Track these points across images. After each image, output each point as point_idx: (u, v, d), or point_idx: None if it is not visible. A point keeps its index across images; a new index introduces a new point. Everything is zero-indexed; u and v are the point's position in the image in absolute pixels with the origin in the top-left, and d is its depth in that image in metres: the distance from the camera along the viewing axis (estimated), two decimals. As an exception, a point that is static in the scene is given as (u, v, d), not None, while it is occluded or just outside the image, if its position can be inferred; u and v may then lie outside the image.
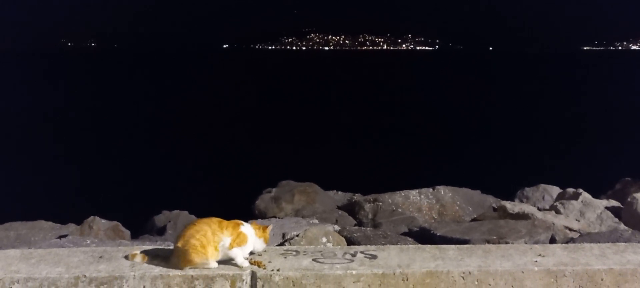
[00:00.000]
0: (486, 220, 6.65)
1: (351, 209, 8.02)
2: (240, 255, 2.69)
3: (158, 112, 28.35)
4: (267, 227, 2.83)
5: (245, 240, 2.69)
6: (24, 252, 2.93)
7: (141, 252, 2.78)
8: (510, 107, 31.33)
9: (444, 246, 3.06)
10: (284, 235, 5.55)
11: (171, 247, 2.78)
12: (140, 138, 21.05)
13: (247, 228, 2.73)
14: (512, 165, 15.61)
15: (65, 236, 6.19)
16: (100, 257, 2.81)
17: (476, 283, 2.67)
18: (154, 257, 2.76)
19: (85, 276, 2.61)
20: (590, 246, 3.02)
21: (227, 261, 2.70)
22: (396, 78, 57.49)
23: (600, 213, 7.31)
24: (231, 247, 2.66)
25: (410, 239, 5.91)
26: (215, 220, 2.71)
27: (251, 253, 2.76)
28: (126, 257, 2.78)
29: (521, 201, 8.84)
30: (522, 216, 6.80)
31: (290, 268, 2.70)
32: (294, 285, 2.64)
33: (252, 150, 18.55)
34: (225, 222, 2.71)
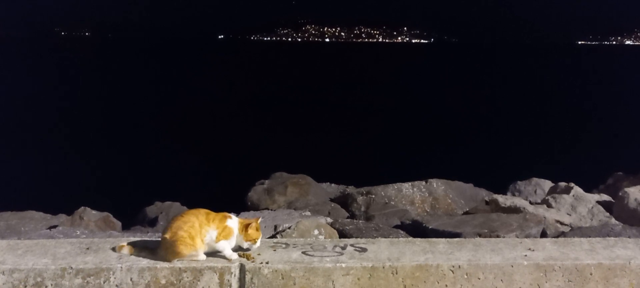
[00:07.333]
0: (478, 214, 6.65)
1: (344, 202, 7.99)
2: (228, 247, 2.65)
3: (151, 103, 28.24)
4: (253, 223, 2.70)
5: (231, 234, 2.66)
6: (10, 243, 2.89)
7: (128, 244, 2.74)
8: (504, 101, 31.40)
9: (434, 239, 3.05)
10: (276, 227, 5.53)
11: (159, 239, 2.75)
12: (133, 128, 20.96)
13: (233, 222, 2.69)
14: (504, 158, 15.65)
15: (55, 227, 6.16)
16: (88, 249, 2.78)
17: (465, 277, 2.67)
18: (142, 249, 2.72)
19: (72, 267, 2.58)
20: (580, 240, 3.01)
21: (214, 253, 2.67)
22: (391, 71, 57.45)
23: (592, 207, 7.32)
24: (218, 240, 2.63)
25: (402, 232, 5.90)
26: (203, 211, 2.67)
27: (239, 249, 2.70)
28: (113, 249, 2.74)
29: (513, 195, 8.85)
30: (514, 210, 6.80)
31: (279, 261, 2.68)
32: (283, 278, 2.62)
33: (245, 141, 18.53)
34: (212, 214, 2.67)
